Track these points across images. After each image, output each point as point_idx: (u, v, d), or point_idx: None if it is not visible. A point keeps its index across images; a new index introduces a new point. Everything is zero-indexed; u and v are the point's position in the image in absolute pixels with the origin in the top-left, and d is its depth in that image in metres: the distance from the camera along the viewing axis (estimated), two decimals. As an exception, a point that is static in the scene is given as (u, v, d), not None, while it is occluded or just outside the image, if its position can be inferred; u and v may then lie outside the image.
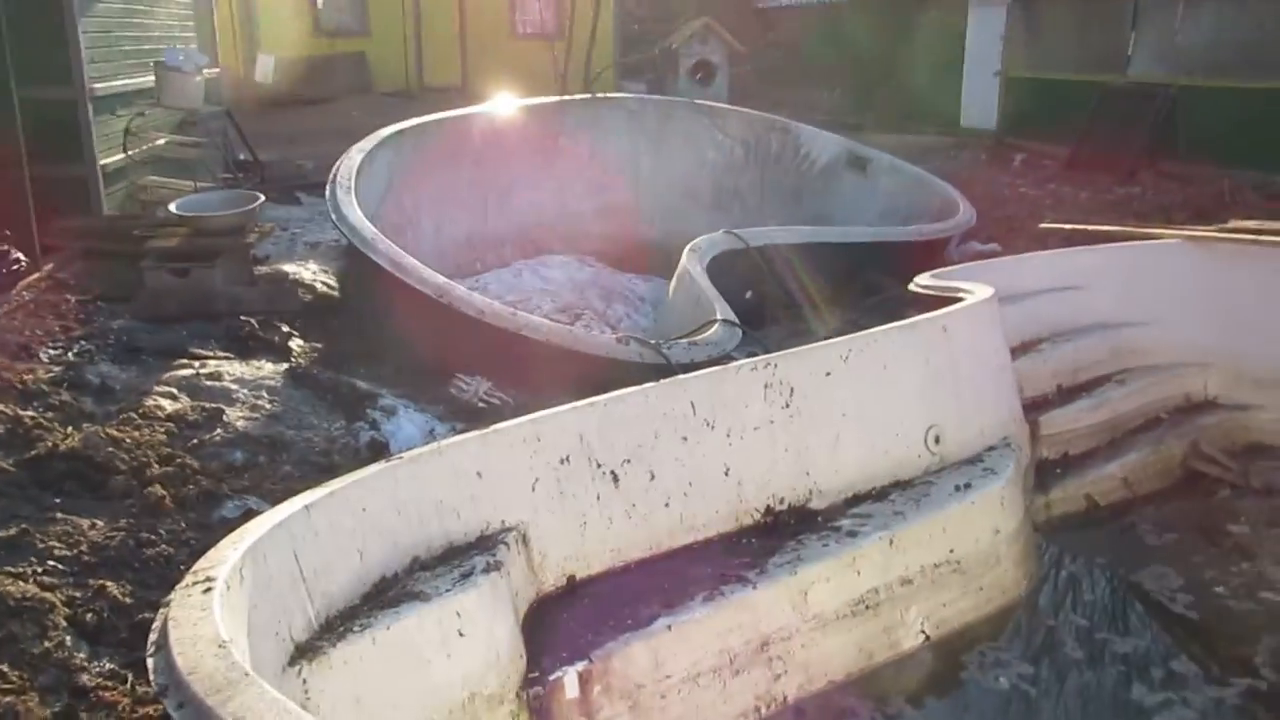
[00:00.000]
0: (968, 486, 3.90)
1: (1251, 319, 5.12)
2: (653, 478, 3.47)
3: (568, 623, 3.14)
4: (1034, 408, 4.76)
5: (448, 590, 2.79)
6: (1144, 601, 4.07)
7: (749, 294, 6.64)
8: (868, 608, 3.57)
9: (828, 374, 3.85)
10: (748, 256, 6.70)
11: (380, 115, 10.08)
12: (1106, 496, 4.75)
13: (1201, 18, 12.01)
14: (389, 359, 5.57)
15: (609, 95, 10.78)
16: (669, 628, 3.12)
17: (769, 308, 6.77)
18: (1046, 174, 12.14)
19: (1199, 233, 5.55)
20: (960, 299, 4.50)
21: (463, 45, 20.12)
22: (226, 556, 2.36)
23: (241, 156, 10.72)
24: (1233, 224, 5.82)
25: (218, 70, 10.99)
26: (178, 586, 2.25)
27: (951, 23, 16.42)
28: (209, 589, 2.21)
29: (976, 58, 15.87)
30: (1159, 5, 12.53)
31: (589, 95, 10.49)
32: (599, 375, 4.20)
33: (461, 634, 2.76)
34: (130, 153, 8.22)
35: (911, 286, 5.06)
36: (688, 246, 6.57)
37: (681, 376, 3.67)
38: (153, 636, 2.10)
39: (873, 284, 7.09)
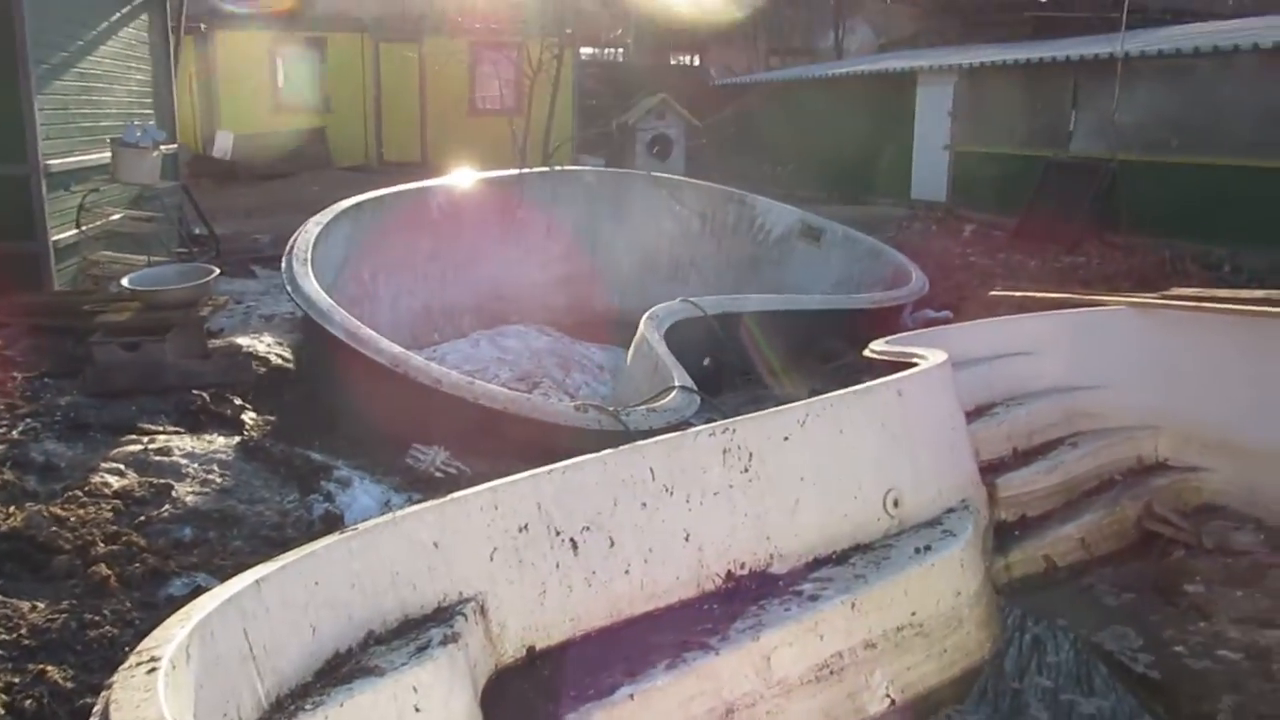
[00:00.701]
0: (928, 549, 3.90)
1: (1196, 384, 5.22)
2: (612, 544, 3.43)
3: (528, 694, 3.08)
4: (991, 470, 4.80)
5: (403, 664, 2.72)
6: (1106, 662, 4.06)
7: (707, 361, 6.70)
8: (832, 673, 3.53)
9: (785, 438, 3.85)
10: (705, 324, 6.76)
11: (339, 189, 10.14)
12: (1065, 558, 4.77)
13: (1138, 97, 12.49)
14: (345, 431, 5.51)
15: (567, 168, 10.92)
16: (631, 696, 3.06)
17: (727, 374, 6.83)
18: (996, 243, 12.42)
19: (1143, 300, 5.66)
20: (915, 364, 4.55)
21: (423, 121, 20.35)
22: (173, 635, 2.29)
23: (197, 231, 10.69)
24: (1174, 291, 5.96)
25: (175, 146, 10.99)
26: (121, 667, 2.18)
27: (901, 99, 16.88)
28: (153, 669, 2.15)
29: (926, 132, 16.31)
30: (1098, 85, 13.02)
31: (547, 169, 10.61)
32: (557, 443, 4.22)
33: (418, 709, 2.68)
34: (84, 228, 8.17)
35: (866, 352, 5.11)
36: (645, 315, 6.63)
37: (640, 443, 3.65)
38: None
39: (829, 351, 7.17)
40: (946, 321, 7.72)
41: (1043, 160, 13.44)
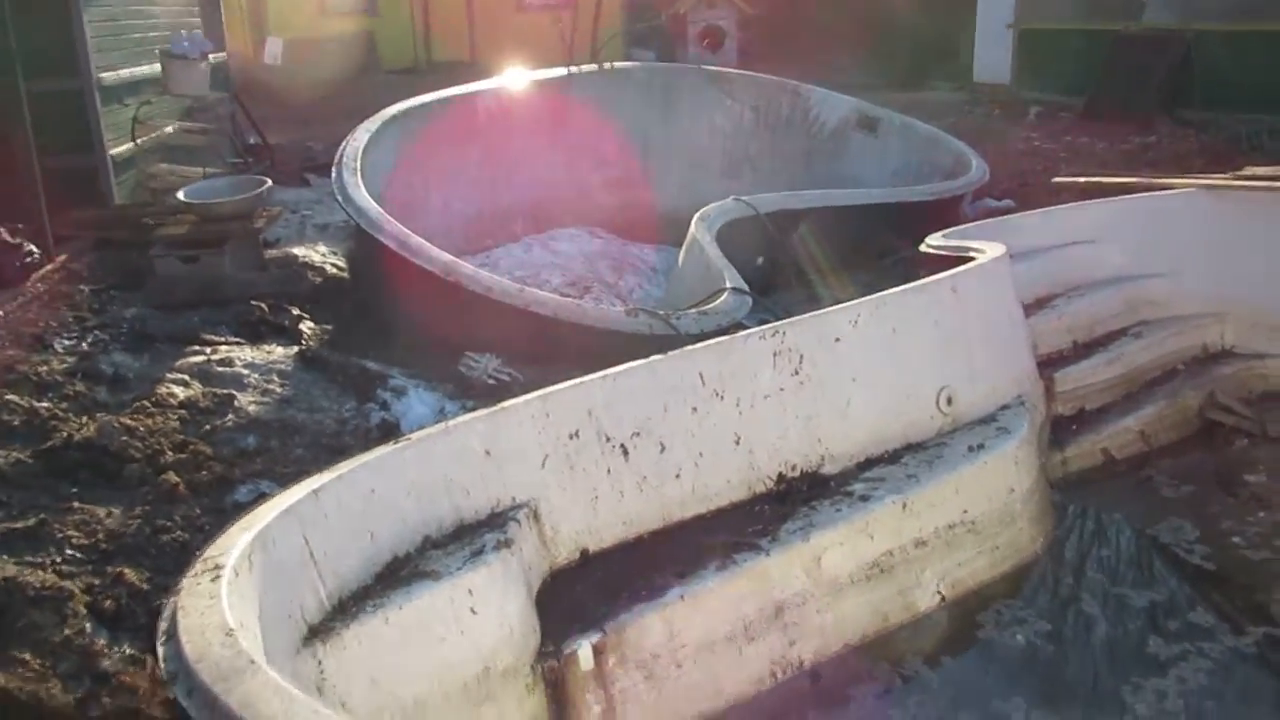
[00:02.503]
0: (981, 447, 3.88)
1: (1267, 267, 5.05)
2: (663, 450, 3.46)
3: (581, 596, 3.14)
4: (1049, 364, 4.73)
5: (459, 568, 2.80)
6: (1161, 554, 4.04)
7: (759, 261, 6.62)
8: (882, 571, 3.56)
9: (836, 340, 3.83)
10: (757, 223, 6.66)
11: (389, 93, 10.03)
12: (1123, 450, 4.72)
13: (1217, -40, 11.81)
14: (399, 339, 5.55)
15: (616, 65, 10.67)
16: (682, 597, 3.13)
17: (780, 274, 6.74)
18: (1062, 126, 11.99)
19: (1213, 181, 5.46)
20: (971, 258, 4.46)
21: (470, 19, 20.02)
22: (235, 543, 2.37)
23: (251, 141, 10.70)
24: (1248, 171, 5.73)
25: (225, 55, 10.96)
26: (186, 574, 2.25)
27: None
28: (217, 576, 2.23)
29: (988, 10, 15.64)
30: (1173, -50, 12.33)
31: (595, 66, 10.39)
32: (608, 349, 4.17)
33: (474, 611, 2.77)
34: (139, 141, 8.22)
35: (922, 248, 5.01)
36: (696, 215, 6.53)
37: (689, 348, 3.65)
38: (162, 625, 2.12)
39: (886, 246, 7.03)
40: (1007, 211, 7.51)
41: (1112, 34, 12.85)
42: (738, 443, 3.61)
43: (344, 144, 6.99)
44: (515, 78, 9.89)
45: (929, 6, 16.68)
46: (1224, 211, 5.29)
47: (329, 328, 5.84)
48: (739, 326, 4.72)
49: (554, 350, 4.79)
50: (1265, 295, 5.07)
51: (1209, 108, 11.21)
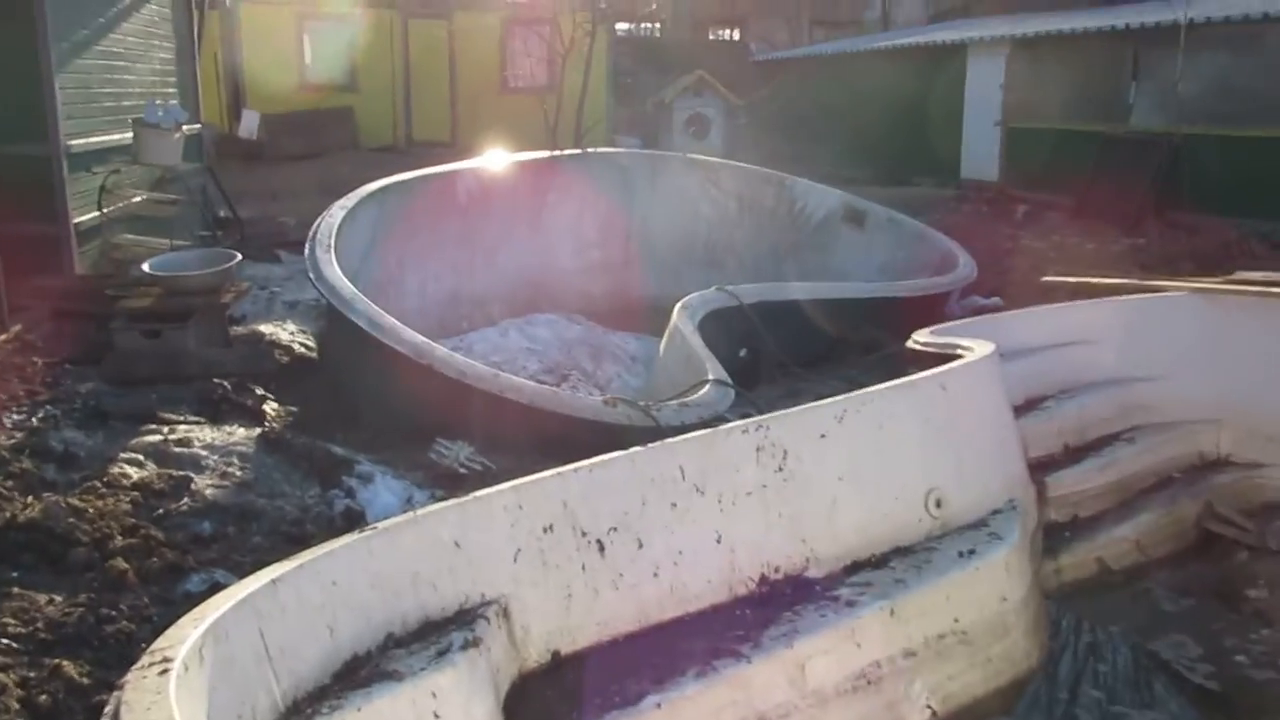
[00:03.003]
0: (972, 552, 3.74)
1: (1262, 374, 4.97)
2: (641, 546, 3.32)
3: (552, 701, 2.99)
4: (1040, 468, 4.62)
5: (423, 669, 2.65)
6: (1163, 671, 3.88)
7: (743, 352, 6.50)
8: (869, 682, 3.39)
9: (822, 436, 3.70)
10: (741, 314, 6.55)
11: (367, 170, 10.00)
12: (1119, 560, 4.58)
13: (1202, 66, 12.03)
14: (367, 423, 5.39)
15: (600, 150, 10.71)
16: (659, 705, 2.95)
17: (763, 367, 6.61)
18: (1050, 225, 12.06)
19: (1205, 285, 5.42)
20: (960, 356, 4.37)
21: (453, 101, 20.16)
22: (186, 635, 2.25)
23: (221, 213, 10.53)
24: (1239, 275, 5.70)
25: (199, 126, 10.88)
26: (133, 668, 2.16)
27: (951, 73, 16.45)
28: (165, 670, 2.12)
29: (976, 108, 15.88)
30: (1159, 54, 12.55)
31: (580, 150, 10.42)
32: (586, 439, 4.06)
33: (438, 715, 2.60)
34: (105, 210, 8.03)
35: (910, 344, 4.93)
36: (679, 304, 6.41)
37: (670, 440, 3.53)
38: (105, 721, 2.01)
39: (871, 341, 6.95)
40: (996, 309, 7.48)
41: (1100, 135, 13.02)
42: (719, 541, 3.46)
43: (319, 220, 6.88)
44: (498, 159, 9.87)
45: (917, 103, 16.92)
46: (1217, 316, 5.24)
47: (294, 409, 5.68)
48: (721, 420, 4.61)
49: (529, 440, 4.63)
50: (1261, 403, 4.98)
51: (1198, 210, 11.31)
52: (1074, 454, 4.81)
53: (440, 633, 2.84)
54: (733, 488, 3.50)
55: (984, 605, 3.68)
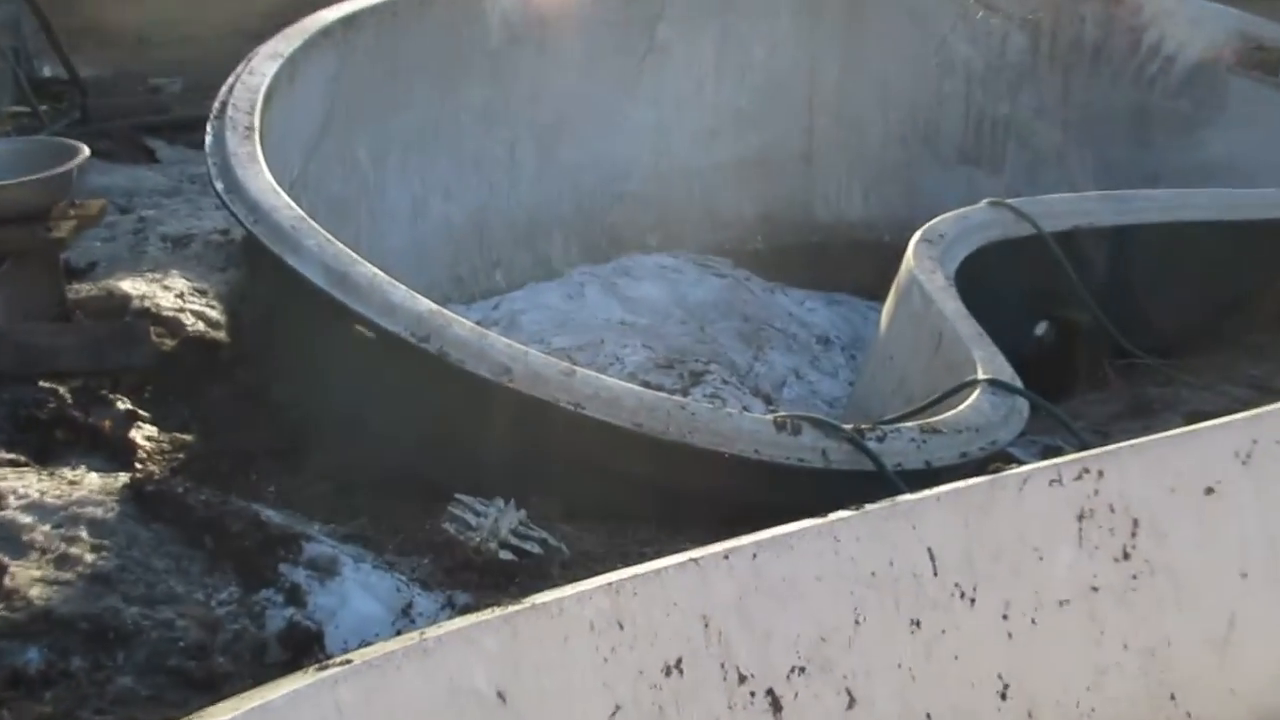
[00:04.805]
0: None
1: None
2: (852, 703, 2.28)
3: None
4: None
5: None
6: None
7: (1042, 327, 4.79)
8: None
9: (1208, 490, 2.51)
10: (1039, 252, 4.72)
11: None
12: None
13: None
14: (322, 463, 3.68)
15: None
16: None
17: (1083, 352, 4.90)
18: None
19: None
20: None
21: None
22: None
23: (47, 73, 7.39)
24: None
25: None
26: None
27: None
28: None
29: None
30: None
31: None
32: (741, 493, 3.05)
33: None
34: None
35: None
36: (917, 234, 4.56)
37: (905, 498, 2.47)
38: None
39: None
40: None
41: None
42: (1004, 694, 2.36)
43: (230, 81, 4.66)
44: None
45: None
46: None
47: (188, 438, 3.87)
48: (1004, 457, 3.26)
49: (629, 494, 3.21)
50: None
51: None
52: None
53: None
54: (1033, 591, 2.46)
55: None
